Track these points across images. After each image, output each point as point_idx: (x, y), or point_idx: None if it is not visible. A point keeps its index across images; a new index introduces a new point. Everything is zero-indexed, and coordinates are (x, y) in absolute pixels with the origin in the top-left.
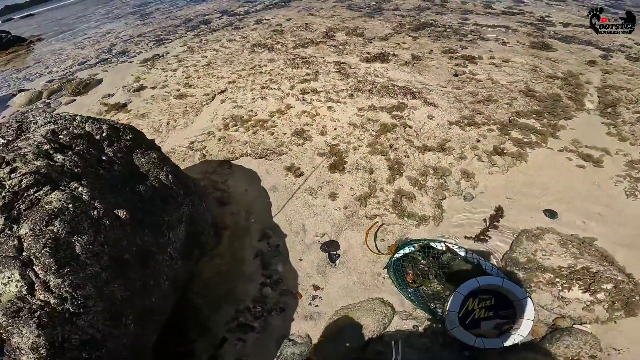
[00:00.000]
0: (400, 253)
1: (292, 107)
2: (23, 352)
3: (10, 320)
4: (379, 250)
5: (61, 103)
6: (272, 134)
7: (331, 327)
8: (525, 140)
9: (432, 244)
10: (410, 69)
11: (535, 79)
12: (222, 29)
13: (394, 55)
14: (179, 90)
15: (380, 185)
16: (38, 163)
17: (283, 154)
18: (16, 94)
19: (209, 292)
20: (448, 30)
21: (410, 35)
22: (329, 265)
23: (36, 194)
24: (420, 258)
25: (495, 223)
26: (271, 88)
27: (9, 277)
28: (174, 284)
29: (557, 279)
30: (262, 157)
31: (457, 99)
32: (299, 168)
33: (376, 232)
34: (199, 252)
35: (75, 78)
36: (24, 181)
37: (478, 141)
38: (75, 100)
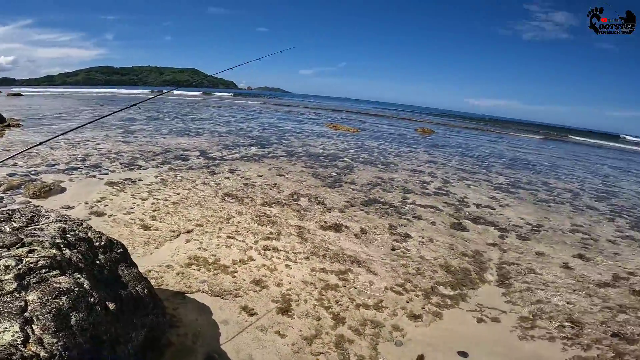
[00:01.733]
0: None
1: (253, 259)
2: None
3: None
4: None
5: (15, 201)
6: (232, 278)
7: None
8: (442, 303)
9: None
10: (358, 241)
11: (452, 256)
12: (198, 169)
13: (346, 227)
14: (144, 221)
15: (326, 330)
16: (53, 251)
17: (239, 296)
18: None
19: None
20: (391, 208)
21: (361, 210)
22: None
23: (47, 274)
24: None
25: None
26: (236, 239)
27: (6, 328)
28: None
29: None
30: (218, 296)
31: (393, 269)
32: (253, 309)
33: None
34: (151, 356)
35: (38, 179)
36: (41, 262)
37: (407, 302)
38: (30, 202)
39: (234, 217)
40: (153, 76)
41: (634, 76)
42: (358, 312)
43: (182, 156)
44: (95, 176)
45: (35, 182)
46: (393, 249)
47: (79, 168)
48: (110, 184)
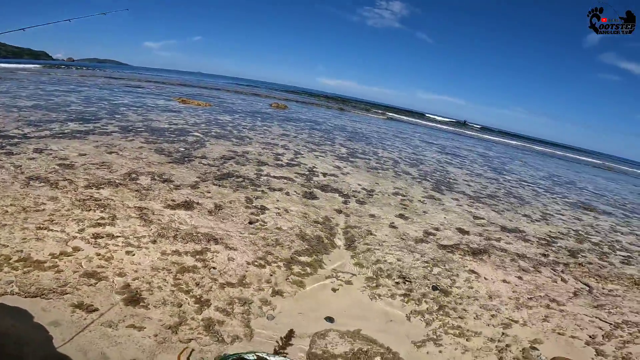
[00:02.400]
0: None
1: (80, 249)
2: None
3: None
4: None
5: None
6: (53, 274)
7: None
8: (302, 272)
9: (245, 356)
10: (213, 217)
11: (306, 224)
12: None
13: (198, 203)
14: None
15: (190, 315)
16: None
17: (67, 293)
18: None
19: None
20: (246, 180)
21: (214, 184)
22: None
23: None
24: None
25: (292, 337)
26: (51, 230)
27: None
28: None
29: None
30: (36, 296)
31: (253, 243)
32: (92, 305)
33: (189, 357)
34: None
35: None
36: None
37: (271, 275)
38: None
39: (45, 204)
40: None
41: (439, 65)
42: (223, 292)
43: None
44: None
45: None
46: (251, 222)
47: None
48: None
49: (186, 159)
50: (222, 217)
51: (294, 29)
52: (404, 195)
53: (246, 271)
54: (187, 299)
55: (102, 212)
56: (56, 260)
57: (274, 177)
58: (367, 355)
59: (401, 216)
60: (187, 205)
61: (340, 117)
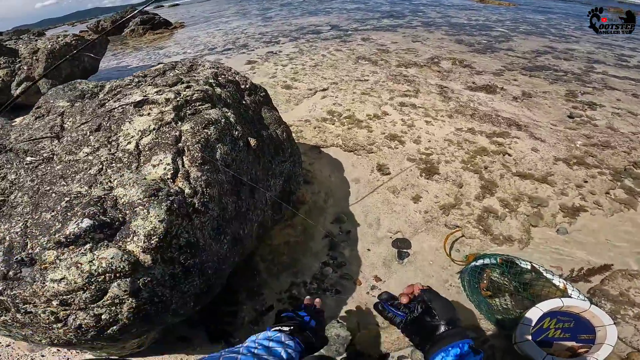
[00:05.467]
0: (480, 262)
1: (388, 114)
2: (135, 238)
3: (145, 199)
4: (453, 260)
5: None
6: (366, 132)
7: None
8: (638, 190)
9: (517, 261)
10: (518, 104)
11: None
12: (331, 39)
13: (502, 89)
14: (285, 82)
15: (467, 200)
16: (206, 87)
17: (372, 152)
18: (154, 66)
19: (272, 258)
20: (569, 75)
21: (523, 74)
22: (397, 261)
23: (200, 106)
24: (499, 272)
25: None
26: (371, 95)
27: (160, 160)
28: (259, 230)
29: None
30: (351, 151)
31: (568, 139)
32: (387, 166)
33: (454, 242)
34: (285, 210)
35: (203, 60)
36: (195, 95)
37: (585, 181)
38: None
39: (368, 76)
40: None
41: None
42: (513, 183)
43: (315, 31)
44: (244, 52)
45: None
46: (570, 116)
47: (232, 49)
48: (257, 56)
49: (488, 50)
50: (530, 105)
51: None
52: None
53: (550, 168)
54: (469, 181)
55: (408, 85)
56: (370, 121)
57: (615, 75)
58: None
59: None
60: (489, 89)
61: None
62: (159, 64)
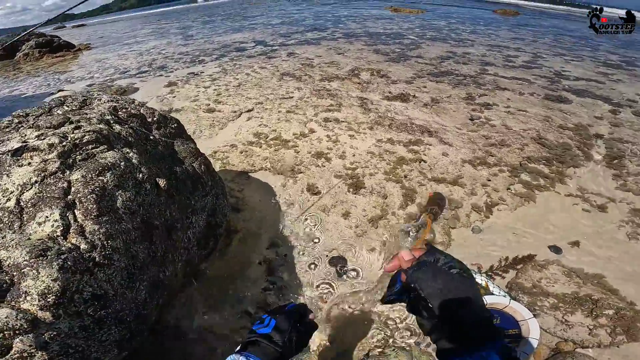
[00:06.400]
0: None
1: (314, 131)
2: (28, 297)
3: (32, 260)
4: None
5: None
6: (293, 153)
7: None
8: (534, 183)
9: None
10: (428, 110)
11: (547, 128)
12: (257, 56)
13: (414, 96)
14: (208, 105)
15: (392, 209)
16: (100, 126)
17: (301, 172)
18: (55, 93)
19: (211, 292)
20: (467, 79)
21: (431, 80)
22: (337, 279)
23: (93, 150)
24: None
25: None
26: (296, 113)
27: (47, 217)
28: (185, 268)
29: (561, 304)
30: (280, 173)
31: (471, 141)
32: (316, 186)
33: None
34: (213, 244)
35: (114, 85)
36: (86, 137)
37: (489, 180)
38: None
39: (293, 93)
40: None
41: None
42: (430, 188)
43: (240, 48)
44: (162, 75)
45: (111, 87)
46: (471, 119)
47: (147, 71)
48: (176, 79)
49: (402, 58)
50: (437, 111)
51: None
52: None
53: (459, 170)
54: (392, 191)
55: (331, 99)
56: (297, 140)
57: (504, 76)
58: (596, 304)
59: None
60: (403, 98)
61: None
62: (59, 90)
